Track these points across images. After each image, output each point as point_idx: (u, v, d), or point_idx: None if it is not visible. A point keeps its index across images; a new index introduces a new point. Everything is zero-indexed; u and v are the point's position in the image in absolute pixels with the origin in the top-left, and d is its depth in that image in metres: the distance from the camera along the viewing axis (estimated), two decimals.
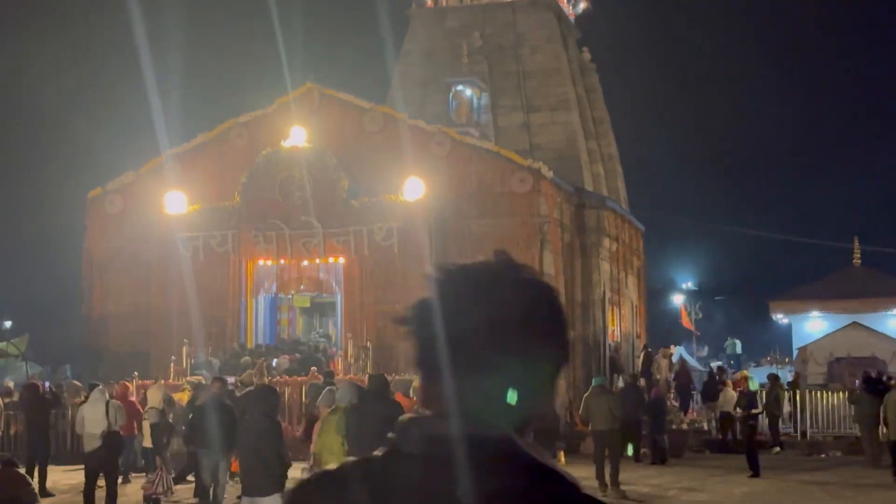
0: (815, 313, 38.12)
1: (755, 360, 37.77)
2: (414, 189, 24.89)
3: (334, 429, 11.98)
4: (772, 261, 65.41)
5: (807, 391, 26.24)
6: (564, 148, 30.17)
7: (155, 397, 18.42)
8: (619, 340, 30.50)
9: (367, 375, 18.87)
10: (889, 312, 37.06)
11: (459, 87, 31.66)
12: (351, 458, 2.86)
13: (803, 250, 55.69)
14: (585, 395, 16.91)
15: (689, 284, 53.90)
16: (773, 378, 26.58)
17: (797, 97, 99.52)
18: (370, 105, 27.77)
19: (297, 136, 26.22)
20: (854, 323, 34.96)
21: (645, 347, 30.25)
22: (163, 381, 21.11)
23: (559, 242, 26.13)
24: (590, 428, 16.81)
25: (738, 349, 40.85)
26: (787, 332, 40.12)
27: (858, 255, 38.95)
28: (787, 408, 25.66)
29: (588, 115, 32.62)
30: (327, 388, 15.69)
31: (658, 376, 26.55)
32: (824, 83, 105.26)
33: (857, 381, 25.94)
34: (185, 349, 24.66)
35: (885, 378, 23.94)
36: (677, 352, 36.04)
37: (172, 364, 24.26)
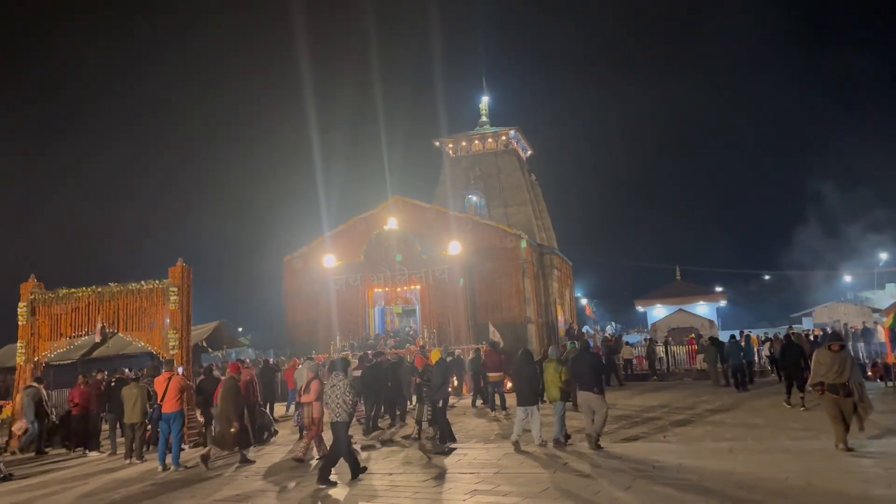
0: (658, 305, 40.78)
1: (627, 332, 39.34)
2: (454, 247, 26.73)
3: (553, 370, 11.49)
4: (634, 276, 68.08)
5: (661, 345, 27.30)
6: (525, 225, 32.13)
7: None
8: (570, 323, 32.44)
9: (439, 346, 21.06)
10: (697, 304, 39.83)
11: (469, 196, 34.43)
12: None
13: (651, 271, 58.36)
14: (570, 359, 12.94)
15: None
16: (650, 340, 27.66)
17: (642, 182, 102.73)
18: (429, 205, 29.91)
19: (392, 223, 28.29)
20: (680, 309, 37.69)
21: (574, 327, 32.06)
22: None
23: (532, 273, 28.01)
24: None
25: (616, 327, 43.03)
26: (644, 316, 42.65)
27: (679, 274, 41.92)
28: (659, 354, 26.40)
29: (536, 208, 34.75)
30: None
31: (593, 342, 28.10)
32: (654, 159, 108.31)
33: (701, 338, 27.47)
34: (337, 338, 26.83)
35: (717, 337, 23.87)
36: (609, 329, 38.30)
37: (331, 346, 26.24)
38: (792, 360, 15.40)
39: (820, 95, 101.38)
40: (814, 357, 9.75)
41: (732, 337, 21.13)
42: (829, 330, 26.35)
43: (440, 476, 9.84)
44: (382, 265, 27.98)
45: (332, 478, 9.77)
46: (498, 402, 16.79)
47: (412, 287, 28.00)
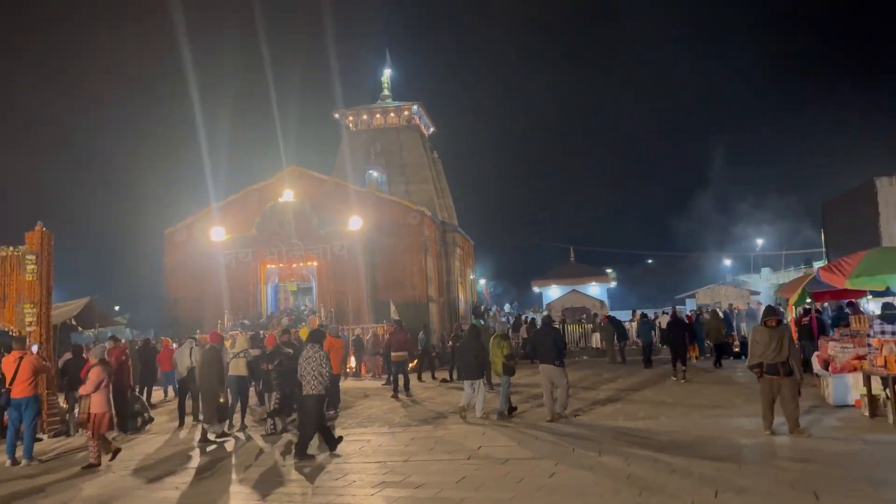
0: (554, 286, 41.22)
1: (523, 311, 39.47)
2: (355, 222, 25.44)
3: (496, 344, 11.82)
4: (532, 257, 69.17)
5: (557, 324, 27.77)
6: (427, 202, 31.21)
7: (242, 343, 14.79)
8: (481, 302, 31.94)
9: (336, 326, 19.98)
10: (589, 284, 40.60)
11: (370, 171, 33.03)
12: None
13: (547, 251, 59.32)
14: (533, 333, 13.23)
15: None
16: (548, 318, 27.98)
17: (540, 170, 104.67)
18: (328, 178, 28.28)
19: (288, 195, 26.54)
20: (573, 290, 38.24)
21: (486, 306, 31.64)
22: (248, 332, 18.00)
23: (434, 251, 27.23)
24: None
25: (514, 306, 43.23)
26: (540, 296, 43.06)
27: (573, 255, 42.56)
28: None
29: (438, 186, 33.98)
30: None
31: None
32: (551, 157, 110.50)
33: (596, 317, 27.75)
34: (225, 316, 24.98)
35: (611, 315, 24.65)
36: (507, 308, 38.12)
37: (218, 325, 24.28)
38: (677, 337, 16.45)
39: (708, 90, 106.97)
40: (750, 336, 9.28)
41: (644, 315, 21.48)
42: (707, 310, 27.21)
43: (340, 468, 8.73)
44: (276, 239, 26.20)
45: (311, 451, 9.39)
46: (402, 383, 15.78)
47: (309, 263, 26.45)
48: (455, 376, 18.61)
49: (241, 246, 26.50)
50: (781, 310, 12.62)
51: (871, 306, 18.19)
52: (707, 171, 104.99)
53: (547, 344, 11.30)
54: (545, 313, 33.57)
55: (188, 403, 13.45)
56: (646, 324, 20.49)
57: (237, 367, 12.53)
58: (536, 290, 43.14)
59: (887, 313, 10.90)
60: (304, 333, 15.70)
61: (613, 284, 43.24)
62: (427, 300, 26.10)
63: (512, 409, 11.72)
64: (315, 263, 26.27)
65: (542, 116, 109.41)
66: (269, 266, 26.77)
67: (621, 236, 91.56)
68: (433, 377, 19.29)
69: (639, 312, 25.59)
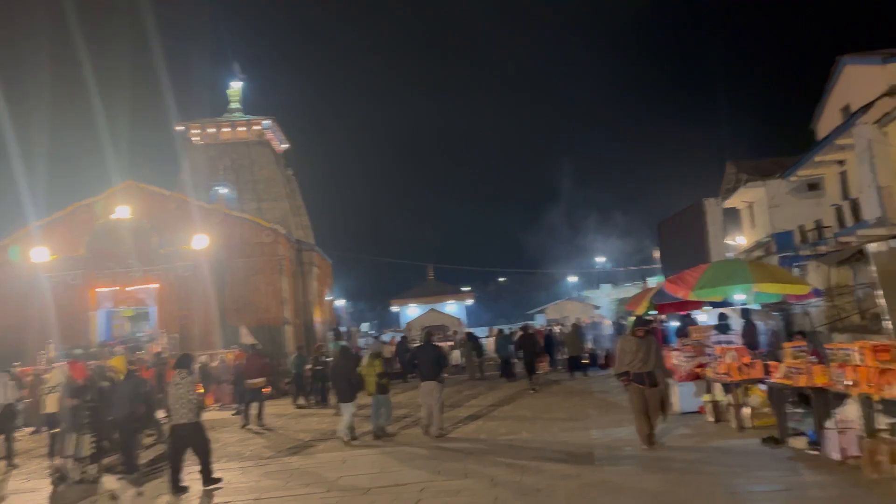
0: (412, 305, 41.05)
1: (382, 331, 38.67)
2: (201, 241, 23.45)
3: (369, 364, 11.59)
4: (391, 276, 68.71)
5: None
6: (281, 221, 29.94)
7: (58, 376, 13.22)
8: (338, 324, 30.72)
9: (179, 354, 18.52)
10: (447, 302, 40.88)
11: (218, 188, 31.07)
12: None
13: (407, 270, 59.19)
14: (415, 350, 12.49)
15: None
16: (429, 335, 27.43)
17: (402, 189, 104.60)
18: (170, 193, 26.08)
19: (123, 212, 24.10)
20: (432, 309, 38.32)
21: (345, 328, 30.65)
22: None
23: (290, 271, 25.99)
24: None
25: (372, 326, 42.42)
26: (398, 315, 42.73)
27: (432, 274, 42.71)
28: None
29: (293, 203, 32.81)
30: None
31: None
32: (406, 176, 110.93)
33: (456, 335, 27.66)
34: (51, 345, 22.31)
35: (469, 332, 24.88)
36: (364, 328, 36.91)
37: (41, 355, 21.70)
38: (529, 351, 17.35)
39: (561, 113, 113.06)
40: (618, 345, 9.31)
41: (501, 331, 21.81)
42: (560, 324, 28.22)
43: None
44: (110, 260, 23.79)
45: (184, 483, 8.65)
46: (255, 411, 14.67)
47: (149, 286, 24.21)
48: (314, 401, 17.81)
49: (68, 268, 23.80)
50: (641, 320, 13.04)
51: (705, 317, 19.56)
52: (557, 191, 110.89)
53: (429, 361, 11.27)
54: (369, 331, 33.13)
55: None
56: (504, 339, 20.90)
57: (50, 404, 10.99)
58: (395, 309, 42.79)
59: (721, 324, 11.71)
60: (117, 363, 14.30)
61: (471, 302, 43.84)
62: (282, 322, 24.81)
63: (385, 432, 11.58)
64: (156, 286, 24.09)
65: (402, 136, 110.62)
66: (101, 289, 24.20)
67: (479, 254, 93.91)
68: (299, 404, 18.15)
69: (495, 328, 26.00)
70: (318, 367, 17.80)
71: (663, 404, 8.91)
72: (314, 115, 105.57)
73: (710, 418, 10.50)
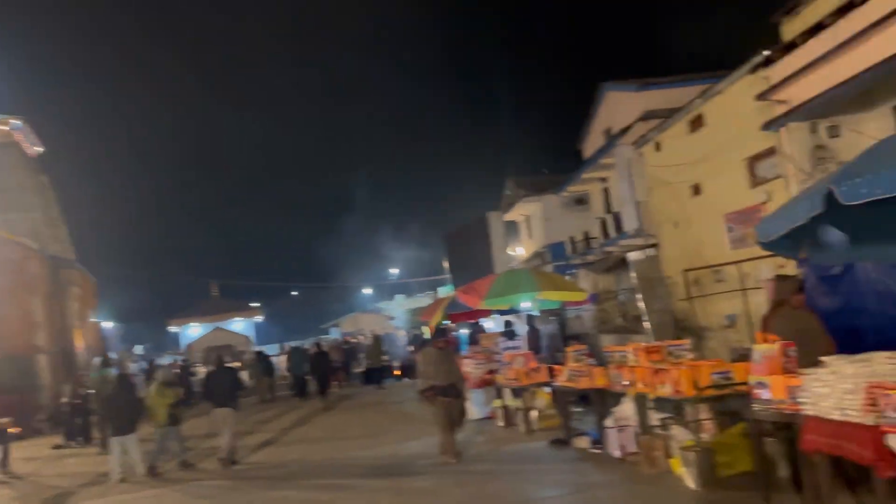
0: (194, 324, 38.15)
1: (159, 354, 35.62)
2: None
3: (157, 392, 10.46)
4: (168, 295, 63.06)
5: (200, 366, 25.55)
6: (33, 234, 26.02)
7: None
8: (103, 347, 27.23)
9: None
10: (234, 320, 38.62)
11: None
12: None
13: (187, 286, 54.71)
14: (207, 375, 12.01)
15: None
16: (185, 362, 25.56)
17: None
18: None
19: None
20: (217, 327, 35.94)
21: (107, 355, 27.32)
22: None
23: (44, 291, 22.76)
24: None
25: (146, 349, 38.72)
26: (178, 336, 39.44)
27: (215, 290, 40.08)
28: (199, 375, 23.53)
29: (48, 214, 28.80)
30: None
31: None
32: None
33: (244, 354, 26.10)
34: None
35: (258, 350, 23.93)
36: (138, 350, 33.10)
37: None
38: (321, 368, 17.36)
39: (351, 127, 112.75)
40: (419, 358, 9.02)
41: (296, 349, 20.96)
42: (361, 336, 27.97)
43: None
44: None
45: None
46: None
47: None
48: (78, 439, 15.46)
49: None
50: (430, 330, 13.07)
51: (492, 324, 20.45)
52: (350, 204, 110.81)
53: (224, 385, 10.61)
54: (142, 355, 30.45)
55: None
56: (298, 356, 20.10)
57: None
58: (174, 329, 39.40)
59: (507, 330, 12.19)
60: None
61: (260, 318, 41.82)
62: (34, 352, 21.44)
63: (188, 463, 10.53)
64: None
65: (186, 145, 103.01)
66: None
67: (270, 268, 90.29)
68: (56, 444, 15.51)
69: (287, 345, 24.97)
70: (77, 401, 15.50)
71: (463, 413, 8.87)
72: (82, 118, 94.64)
73: (501, 423, 10.80)
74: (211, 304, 39.60)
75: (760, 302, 12.83)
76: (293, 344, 25.85)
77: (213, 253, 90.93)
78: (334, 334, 40.23)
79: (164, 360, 29.74)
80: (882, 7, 8.86)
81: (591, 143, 23.30)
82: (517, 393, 10.31)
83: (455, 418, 8.61)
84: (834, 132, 11.35)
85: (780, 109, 11.48)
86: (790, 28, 11.45)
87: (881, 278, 9.41)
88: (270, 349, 27.80)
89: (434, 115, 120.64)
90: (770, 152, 12.40)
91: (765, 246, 4.49)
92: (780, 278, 6.03)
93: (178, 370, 22.86)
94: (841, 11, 9.61)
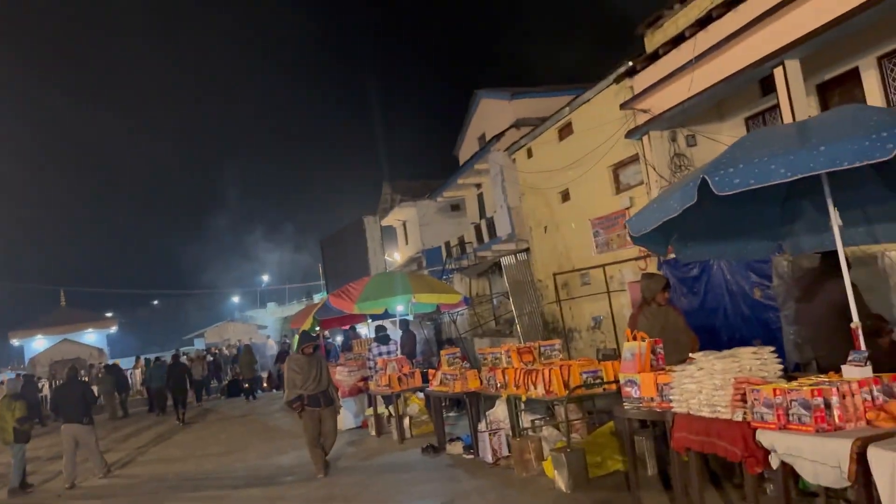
0: (40, 336, 34.72)
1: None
2: None
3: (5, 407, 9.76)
4: (11, 305, 56.90)
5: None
6: None
7: None
8: None
9: None
10: (86, 332, 35.58)
11: None
12: None
13: (31, 295, 49.81)
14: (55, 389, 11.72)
15: None
16: (74, 370, 23.30)
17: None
18: None
19: None
20: (65, 339, 32.97)
21: None
22: None
23: None
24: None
25: None
26: (21, 350, 35.74)
27: (64, 299, 36.72)
28: (44, 393, 21.96)
29: None
30: None
31: None
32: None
33: (93, 368, 23.99)
34: None
35: (110, 364, 22.14)
36: None
37: None
38: (178, 381, 16.30)
39: (222, 130, 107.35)
40: (286, 367, 8.29)
41: (157, 359, 19.58)
42: (227, 347, 26.47)
43: None
44: None
45: None
46: None
47: None
48: None
49: None
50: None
51: (366, 330, 19.94)
52: (219, 207, 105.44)
53: (73, 400, 9.89)
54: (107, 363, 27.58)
55: None
56: (155, 369, 18.62)
57: None
58: (16, 342, 35.53)
59: (380, 335, 11.73)
60: None
61: (114, 329, 38.65)
62: None
63: (27, 484, 9.80)
64: None
65: (35, 144, 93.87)
66: None
67: (126, 275, 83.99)
68: None
69: (143, 358, 23.16)
70: None
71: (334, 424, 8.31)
72: None
73: (373, 432, 10.39)
74: (59, 314, 36.16)
75: (624, 303, 13.32)
76: (151, 356, 23.94)
77: (64, 259, 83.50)
78: (199, 345, 37.96)
79: (5, 375, 26.73)
80: (737, 21, 9.35)
81: (467, 149, 23.46)
82: (389, 400, 9.92)
83: (326, 430, 8.03)
84: (692, 141, 11.94)
85: (643, 118, 11.92)
86: (653, 39, 11.93)
87: (734, 279, 9.97)
88: (127, 362, 25.63)
89: (310, 117, 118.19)
90: (633, 160, 12.87)
91: (636, 240, 4.39)
92: (647, 276, 6.02)
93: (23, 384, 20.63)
94: (701, 24, 10.06)
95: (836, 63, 9.45)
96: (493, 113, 20.72)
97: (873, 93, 8.95)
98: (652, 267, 12.28)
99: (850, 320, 4.54)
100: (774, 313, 9.20)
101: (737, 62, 9.48)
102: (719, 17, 9.70)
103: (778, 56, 8.80)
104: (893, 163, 4.13)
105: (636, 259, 12.69)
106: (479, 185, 22.15)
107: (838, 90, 9.64)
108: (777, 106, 10.05)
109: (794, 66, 8.86)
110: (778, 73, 8.98)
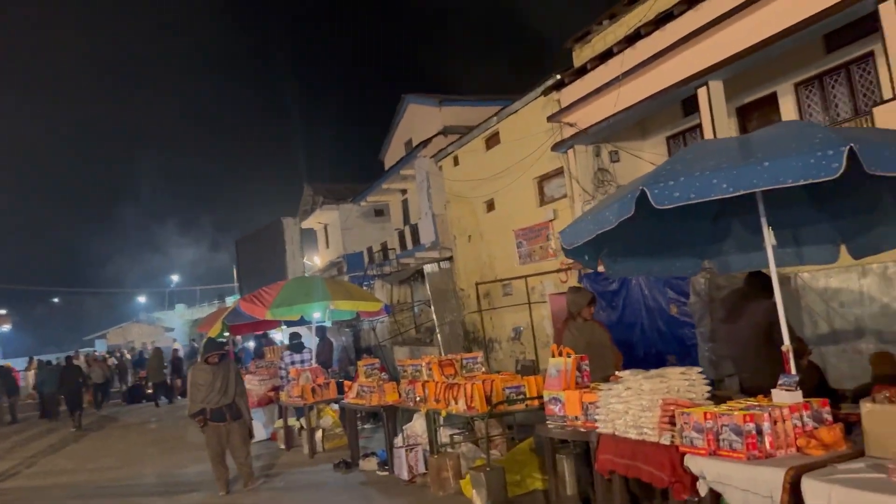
0: None
1: None
2: None
3: None
4: None
5: None
6: None
7: None
8: None
9: None
10: None
11: None
12: None
13: None
14: None
15: None
16: None
17: None
18: None
19: None
20: None
21: None
22: None
23: None
24: None
25: None
26: None
27: None
28: None
29: None
30: None
31: None
32: None
33: None
34: None
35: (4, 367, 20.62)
36: None
37: None
38: (71, 386, 15.48)
39: (134, 123, 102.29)
40: (189, 378, 7.61)
41: (46, 363, 18.68)
42: (129, 351, 25.01)
43: None
44: None
45: None
46: None
47: None
48: None
49: None
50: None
51: (281, 336, 19.19)
52: (128, 201, 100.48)
53: None
54: None
55: None
56: (49, 371, 17.39)
57: None
58: None
59: (294, 343, 11.19)
60: None
61: (7, 327, 35.92)
62: None
63: None
64: None
65: None
66: None
67: (22, 270, 78.47)
68: None
69: (36, 359, 21.54)
70: None
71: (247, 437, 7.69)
72: None
73: (282, 445, 9.85)
74: None
75: (544, 315, 13.31)
76: (47, 357, 22.32)
77: None
78: (101, 347, 35.81)
79: None
80: (664, 40, 9.47)
81: (393, 153, 23.11)
82: (301, 411, 9.43)
83: (233, 445, 7.37)
84: (615, 157, 12.07)
85: (569, 132, 11.97)
86: (581, 54, 12.01)
87: (652, 294, 10.06)
88: (19, 363, 23.77)
89: (231, 112, 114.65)
90: (558, 173, 12.90)
91: (568, 253, 4.20)
92: (574, 290, 5.88)
93: None
94: (629, 41, 10.15)
95: (756, 87, 9.74)
96: (420, 119, 20.48)
97: (790, 117, 9.26)
98: (573, 280, 12.32)
99: (775, 342, 4.53)
100: (690, 329, 9.35)
101: (663, 80, 9.61)
102: (647, 34, 9.82)
103: (703, 76, 8.96)
104: (826, 184, 4.17)
105: (558, 271, 12.70)
106: (404, 191, 21.84)
107: (757, 113, 9.94)
108: (698, 126, 10.28)
109: (717, 86, 9.05)
110: (702, 93, 9.14)
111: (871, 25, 7.93)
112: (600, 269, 4.71)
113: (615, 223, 3.29)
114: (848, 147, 2.63)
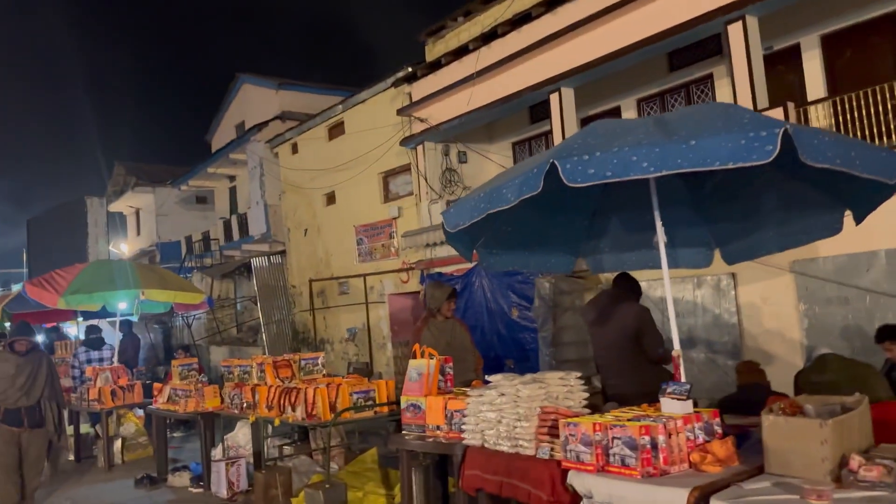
0: None
1: None
2: None
3: None
4: None
5: None
6: None
7: None
8: None
9: None
10: None
11: None
12: None
13: None
14: None
15: None
16: None
17: None
18: None
19: None
20: None
21: None
22: None
23: None
24: None
25: None
26: None
27: None
28: None
29: None
30: None
31: None
32: None
33: None
34: None
35: None
36: None
37: None
38: None
39: None
40: None
41: None
42: None
43: None
44: None
45: None
46: None
47: None
48: None
49: None
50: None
51: (75, 330, 16.83)
52: None
53: None
54: None
55: None
56: None
57: None
58: None
59: (92, 338, 9.64)
60: None
61: None
62: None
63: None
64: None
65: None
66: None
67: None
68: None
69: None
70: None
71: (51, 450, 6.29)
72: None
73: (71, 456, 8.38)
74: None
75: (382, 315, 12.79)
76: None
77: None
78: None
79: None
80: (520, 41, 9.38)
81: (222, 135, 21.36)
82: (97, 417, 8.06)
83: (29, 458, 5.88)
84: (463, 157, 11.87)
85: (419, 127, 11.58)
86: (433, 49, 11.69)
87: (494, 297, 9.91)
88: None
89: (35, 78, 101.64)
90: (405, 169, 12.47)
91: (449, 237, 3.68)
92: (433, 285, 5.40)
93: None
94: (485, 39, 9.96)
95: (601, 100, 9.98)
96: (256, 101, 19.10)
97: None
98: (414, 281, 11.93)
99: (643, 347, 4.38)
100: (530, 334, 9.32)
101: (518, 82, 9.52)
102: (504, 34, 9.69)
103: (557, 81, 8.96)
104: (707, 186, 4.05)
105: (398, 271, 12.24)
106: (232, 178, 20.25)
107: None
108: (546, 133, 10.35)
109: (569, 94, 9.10)
110: (554, 98, 9.15)
111: (713, 48, 8.37)
112: (474, 261, 4.26)
113: (514, 202, 2.82)
114: (783, 129, 2.36)
